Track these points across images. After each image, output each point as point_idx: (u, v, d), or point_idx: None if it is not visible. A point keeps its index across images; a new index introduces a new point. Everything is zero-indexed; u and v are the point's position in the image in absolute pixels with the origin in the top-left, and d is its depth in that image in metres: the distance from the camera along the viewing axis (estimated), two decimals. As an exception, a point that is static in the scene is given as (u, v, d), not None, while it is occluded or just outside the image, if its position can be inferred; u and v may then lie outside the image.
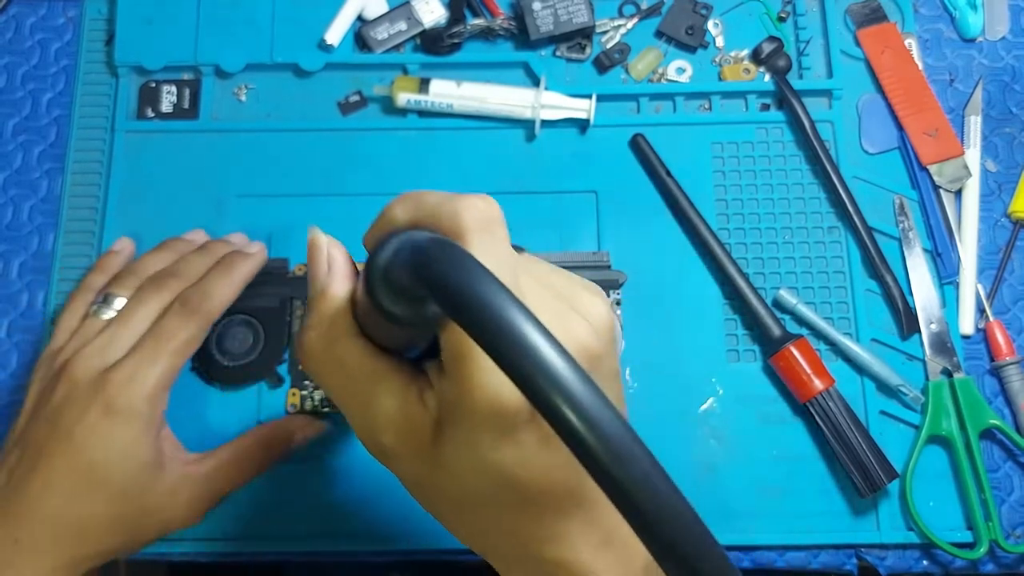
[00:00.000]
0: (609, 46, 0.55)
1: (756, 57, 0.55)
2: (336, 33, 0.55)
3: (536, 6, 0.54)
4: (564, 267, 0.49)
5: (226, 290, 0.46)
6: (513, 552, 0.29)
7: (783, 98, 0.54)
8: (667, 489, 0.21)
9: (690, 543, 0.21)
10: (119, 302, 0.46)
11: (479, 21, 0.55)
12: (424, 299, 0.25)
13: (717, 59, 0.56)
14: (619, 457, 0.20)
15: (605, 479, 0.21)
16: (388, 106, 0.54)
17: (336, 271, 0.29)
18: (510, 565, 0.31)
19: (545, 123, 0.53)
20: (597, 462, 0.20)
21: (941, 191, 0.53)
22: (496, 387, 0.25)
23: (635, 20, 0.56)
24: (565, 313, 0.27)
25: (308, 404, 0.49)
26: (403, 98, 0.53)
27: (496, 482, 0.27)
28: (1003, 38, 0.56)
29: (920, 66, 0.55)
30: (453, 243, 0.23)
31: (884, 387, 0.49)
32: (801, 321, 0.51)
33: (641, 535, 0.21)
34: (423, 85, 0.53)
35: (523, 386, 0.21)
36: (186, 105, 0.55)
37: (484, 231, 0.26)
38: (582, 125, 0.54)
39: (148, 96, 0.55)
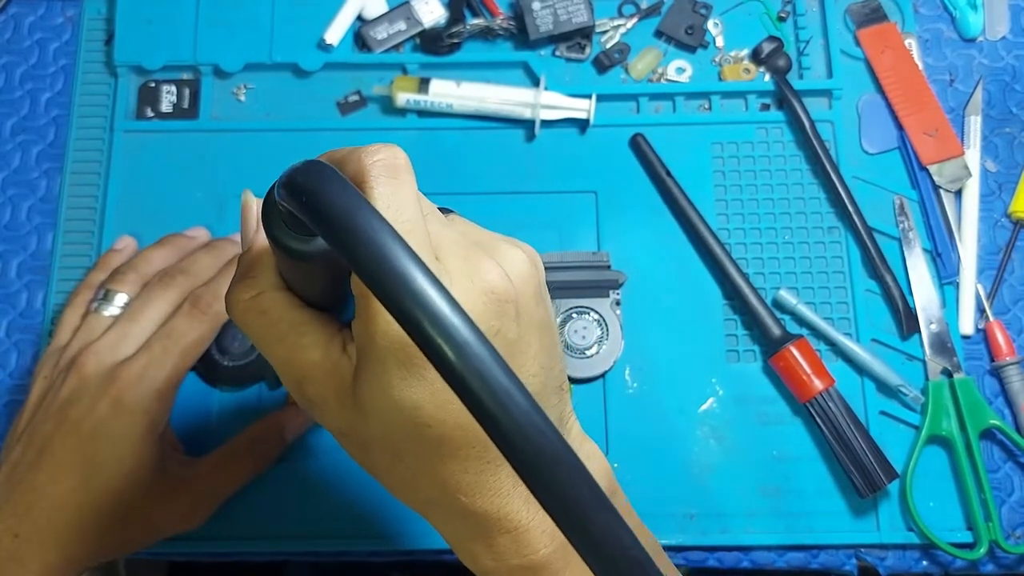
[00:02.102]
0: (609, 46, 0.55)
1: (756, 57, 0.55)
2: (335, 33, 0.55)
3: (536, 6, 0.54)
4: (564, 267, 0.49)
5: None
6: (447, 506, 0.29)
7: (783, 98, 0.54)
8: (527, 404, 0.20)
9: (549, 453, 0.20)
10: (120, 298, 0.46)
11: (479, 21, 0.55)
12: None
13: (717, 59, 0.56)
14: (470, 365, 0.20)
15: (459, 386, 0.20)
16: (387, 106, 0.54)
17: (263, 229, 0.30)
18: (445, 520, 0.30)
19: (545, 123, 0.53)
20: (448, 365, 0.20)
21: (941, 191, 0.53)
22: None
23: (635, 20, 0.56)
24: (478, 258, 0.27)
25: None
26: (402, 98, 0.53)
27: (412, 421, 0.27)
28: (1003, 38, 0.56)
29: (920, 66, 0.55)
30: (320, 162, 0.23)
31: (884, 387, 0.49)
32: (801, 321, 0.51)
33: (504, 452, 0.20)
34: (422, 85, 0.53)
35: (373, 286, 0.21)
36: (185, 105, 0.55)
37: (387, 176, 0.26)
38: (582, 125, 0.54)
39: (147, 96, 0.55)
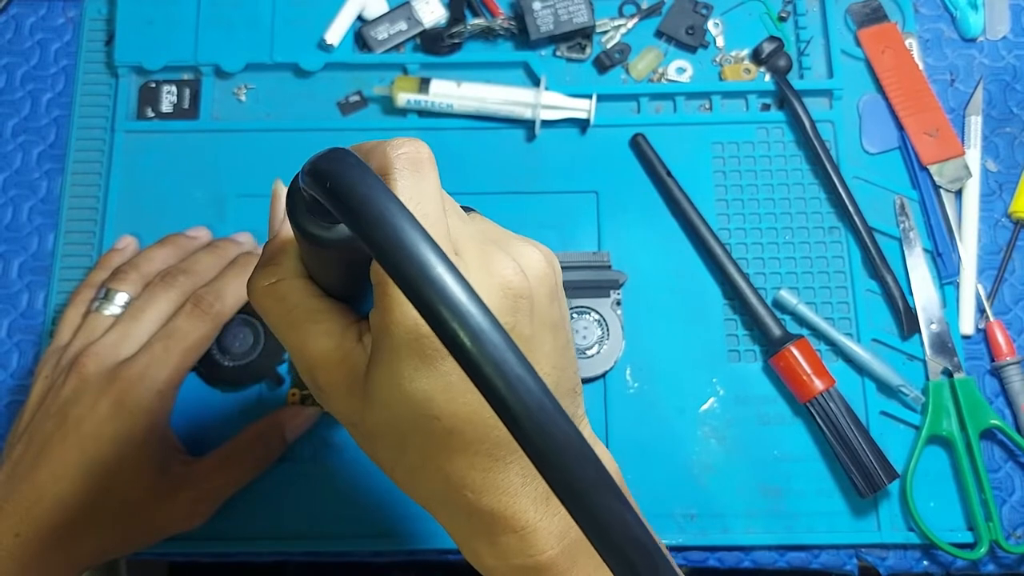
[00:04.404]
0: (609, 46, 0.55)
1: (756, 57, 0.55)
2: (336, 33, 0.55)
3: (536, 6, 0.54)
4: (564, 267, 0.49)
5: (240, 292, 0.46)
6: (452, 502, 0.29)
7: (783, 98, 0.54)
8: (539, 390, 0.20)
9: (564, 449, 0.20)
10: (120, 297, 0.46)
11: (479, 21, 0.55)
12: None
13: (717, 59, 0.56)
14: (488, 351, 0.20)
15: (473, 370, 0.20)
16: (388, 106, 0.54)
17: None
18: (450, 516, 0.30)
19: (545, 123, 0.53)
20: (463, 349, 0.20)
21: (941, 191, 0.53)
22: (413, 311, 0.25)
23: (635, 20, 0.56)
24: (494, 254, 0.27)
25: (309, 404, 0.49)
26: (403, 98, 0.53)
27: (422, 413, 0.27)
28: (1004, 38, 0.56)
29: (920, 66, 0.55)
30: (344, 149, 0.23)
31: (885, 387, 0.49)
32: (801, 321, 0.51)
33: (516, 438, 0.20)
34: (423, 85, 0.53)
35: (390, 270, 0.21)
36: (186, 105, 0.55)
37: (410, 169, 0.26)
38: (582, 125, 0.54)
39: (148, 96, 0.55)
